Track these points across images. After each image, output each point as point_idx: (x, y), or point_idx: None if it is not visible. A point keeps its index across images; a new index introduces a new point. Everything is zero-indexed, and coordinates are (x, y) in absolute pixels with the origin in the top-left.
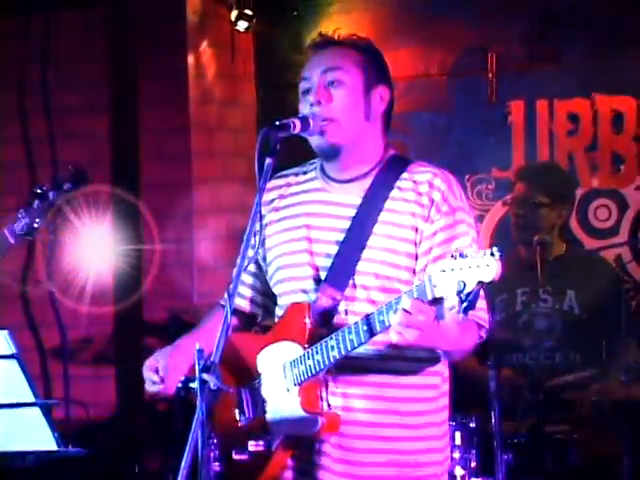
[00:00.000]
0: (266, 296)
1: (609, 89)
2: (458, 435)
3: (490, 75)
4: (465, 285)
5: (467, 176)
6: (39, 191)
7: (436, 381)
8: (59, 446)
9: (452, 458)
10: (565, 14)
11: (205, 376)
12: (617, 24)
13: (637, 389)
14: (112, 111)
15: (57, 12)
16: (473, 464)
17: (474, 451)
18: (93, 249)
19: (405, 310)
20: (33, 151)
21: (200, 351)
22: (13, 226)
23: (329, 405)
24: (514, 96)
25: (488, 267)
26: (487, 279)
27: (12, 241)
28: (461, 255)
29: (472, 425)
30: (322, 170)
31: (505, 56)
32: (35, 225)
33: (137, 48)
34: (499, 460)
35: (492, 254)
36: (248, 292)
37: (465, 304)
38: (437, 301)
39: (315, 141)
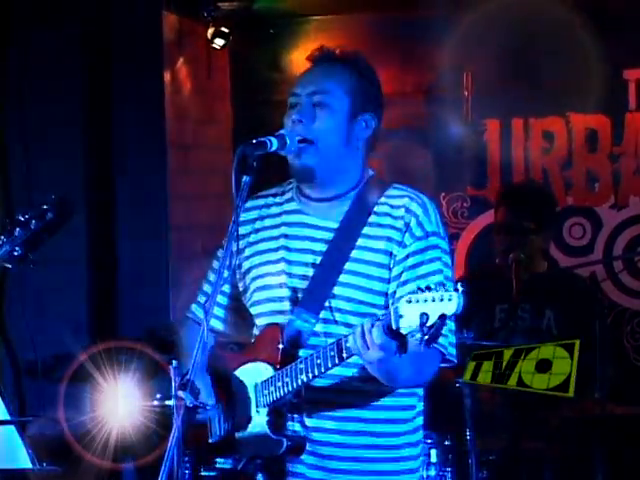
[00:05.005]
0: (239, 316)
1: (583, 107)
2: (434, 453)
3: (466, 93)
4: (428, 318)
5: (443, 194)
6: (21, 219)
7: (413, 402)
8: (33, 464)
9: (428, 476)
10: (541, 33)
11: (181, 394)
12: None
13: (611, 406)
14: (88, 127)
15: (35, 29)
16: None
17: (450, 469)
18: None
19: (366, 333)
20: (7, 167)
21: (177, 368)
22: None
23: (304, 426)
24: (489, 114)
25: (450, 301)
26: (449, 312)
27: None
28: (428, 288)
29: (447, 443)
30: (298, 189)
31: (481, 74)
32: (15, 253)
33: (113, 65)
34: (475, 478)
35: (456, 289)
36: (222, 313)
37: (427, 337)
38: (401, 332)
39: (290, 161)
